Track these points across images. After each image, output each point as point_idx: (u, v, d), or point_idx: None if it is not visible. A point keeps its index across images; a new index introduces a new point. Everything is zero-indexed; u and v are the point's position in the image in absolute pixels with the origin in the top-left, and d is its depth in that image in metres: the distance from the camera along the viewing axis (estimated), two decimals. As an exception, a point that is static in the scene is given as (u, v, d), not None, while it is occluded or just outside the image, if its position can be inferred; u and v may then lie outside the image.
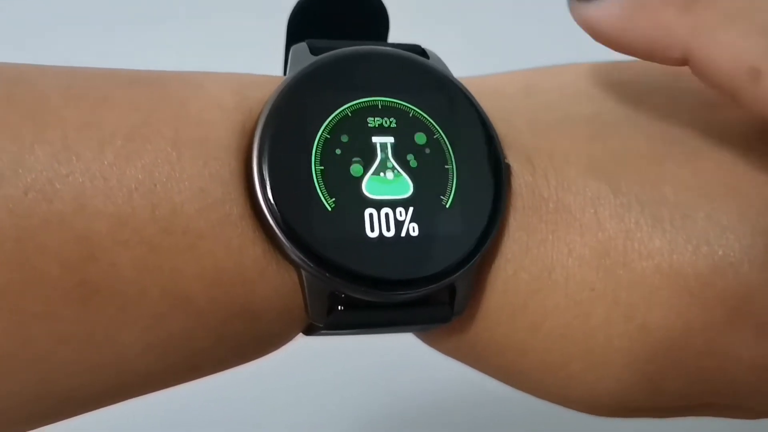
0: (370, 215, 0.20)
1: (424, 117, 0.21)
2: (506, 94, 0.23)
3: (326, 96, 0.20)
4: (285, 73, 0.23)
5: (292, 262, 0.19)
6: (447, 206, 0.20)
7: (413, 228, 0.20)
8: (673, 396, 0.21)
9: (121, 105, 0.19)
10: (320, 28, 0.23)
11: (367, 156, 0.20)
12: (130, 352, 0.19)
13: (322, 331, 0.20)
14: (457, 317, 0.21)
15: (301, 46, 0.21)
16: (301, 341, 0.22)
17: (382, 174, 0.20)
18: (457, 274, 0.20)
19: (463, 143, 0.21)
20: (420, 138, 0.21)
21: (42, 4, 0.58)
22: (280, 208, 0.19)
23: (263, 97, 0.20)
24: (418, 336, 0.23)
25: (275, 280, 0.19)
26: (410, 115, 0.21)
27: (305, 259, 0.19)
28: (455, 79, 0.22)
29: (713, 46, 0.19)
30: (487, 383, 0.23)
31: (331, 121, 0.20)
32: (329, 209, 0.19)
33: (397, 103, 0.21)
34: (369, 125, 0.20)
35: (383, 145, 0.20)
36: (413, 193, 0.20)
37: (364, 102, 0.20)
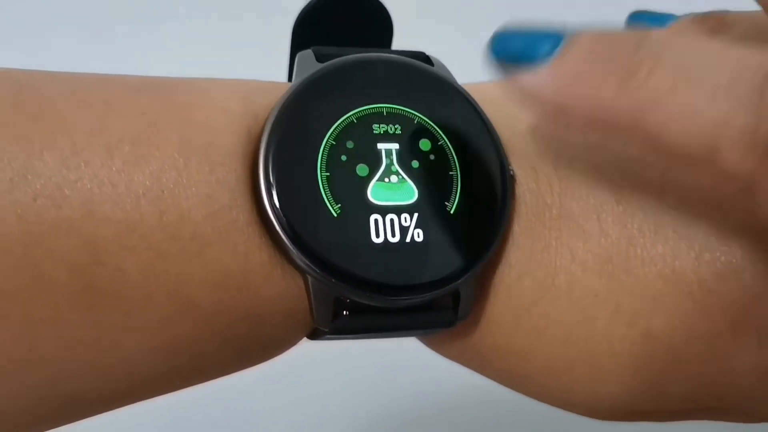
0: (375, 221, 0.20)
1: (428, 123, 0.21)
2: (510, 101, 0.23)
3: (332, 103, 0.20)
4: (290, 80, 0.23)
5: (297, 267, 0.19)
6: (451, 212, 0.20)
7: (418, 234, 0.20)
8: (676, 400, 0.21)
9: (128, 111, 0.19)
10: (325, 35, 0.23)
11: (373, 162, 0.20)
12: (136, 356, 0.19)
13: (327, 336, 0.21)
14: (460, 322, 0.21)
15: (307, 53, 0.21)
16: (302, 341, 0.22)
17: (387, 180, 0.20)
18: (461, 279, 0.20)
19: (467, 149, 0.21)
20: (425, 144, 0.21)
21: (42, 4, 0.58)
22: (286, 214, 0.19)
23: (269, 103, 0.20)
24: (422, 340, 0.23)
25: (281, 285, 0.19)
26: (415, 121, 0.21)
27: (311, 265, 0.19)
28: (459, 85, 0.22)
29: (663, 118, 0.17)
30: (487, 384, 0.23)
31: (336, 127, 0.20)
32: (335, 215, 0.20)
33: (401, 109, 0.21)
34: (374, 132, 0.20)
35: (388, 152, 0.20)
36: (418, 199, 0.20)
37: (370, 109, 0.21)
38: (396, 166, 0.20)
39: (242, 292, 0.19)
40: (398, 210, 0.20)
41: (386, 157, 0.20)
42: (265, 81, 0.21)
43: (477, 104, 0.22)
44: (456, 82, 0.22)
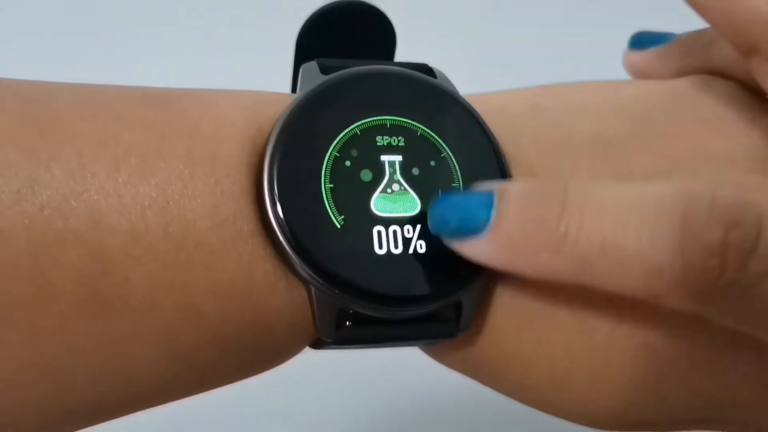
0: (379, 232, 0.20)
1: (431, 136, 0.21)
2: (513, 113, 0.23)
3: (336, 115, 0.21)
4: (294, 90, 0.23)
5: (301, 278, 0.20)
6: None
7: (421, 245, 0.20)
8: (675, 411, 0.21)
9: (134, 123, 0.19)
10: (328, 46, 0.23)
11: (376, 174, 0.20)
12: (141, 365, 0.19)
13: (330, 346, 0.21)
14: (462, 333, 0.21)
15: (312, 65, 0.22)
16: (304, 349, 0.22)
17: (390, 192, 0.20)
18: (464, 290, 0.20)
19: (470, 161, 0.21)
20: (427, 156, 0.21)
21: (42, 4, 0.58)
22: (290, 225, 0.19)
23: (274, 114, 0.20)
24: (423, 349, 0.23)
25: (285, 295, 0.20)
26: (418, 133, 0.21)
27: (314, 276, 0.19)
28: (462, 97, 0.22)
29: (600, 274, 0.18)
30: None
31: (340, 139, 0.20)
32: (338, 226, 0.20)
33: (405, 122, 0.21)
34: (378, 144, 0.21)
35: (391, 164, 0.21)
36: (421, 210, 0.20)
37: (373, 121, 0.21)
38: (399, 178, 0.21)
39: (246, 302, 0.19)
40: (401, 221, 0.20)
41: (389, 168, 0.21)
42: (270, 92, 0.22)
43: (479, 116, 0.22)
44: (459, 94, 0.22)
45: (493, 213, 0.19)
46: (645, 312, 0.20)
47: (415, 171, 0.21)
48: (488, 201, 0.19)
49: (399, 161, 0.21)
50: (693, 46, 0.25)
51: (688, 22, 0.25)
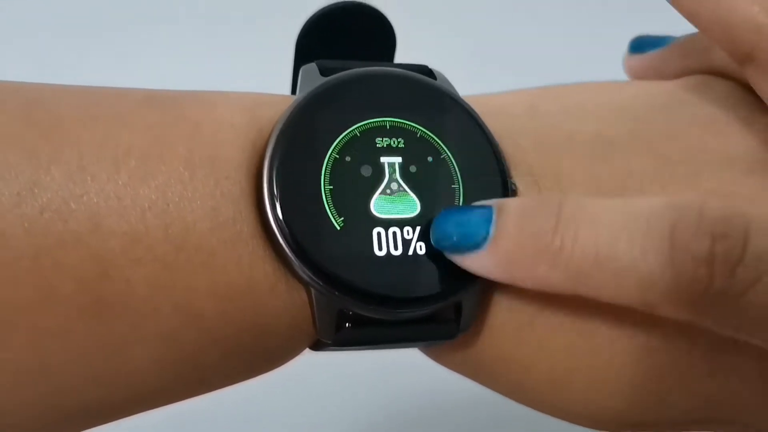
0: (378, 234, 0.20)
1: (431, 137, 0.21)
2: (512, 114, 0.23)
3: (336, 116, 0.21)
4: (293, 92, 0.23)
5: (301, 279, 0.20)
6: None
7: (420, 247, 0.20)
8: (676, 412, 0.21)
9: (135, 125, 0.19)
10: (328, 47, 0.23)
11: (376, 176, 0.20)
12: (141, 367, 0.19)
13: (330, 348, 0.21)
14: (462, 334, 0.21)
15: (311, 67, 0.22)
16: (304, 351, 0.22)
17: (389, 193, 0.20)
18: (463, 292, 0.20)
19: (469, 163, 0.21)
20: (427, 158, 0.21)
21: (42, 4, 0.58)
22: (290, 226, 0.19)
23: (274, 116, 0.20)
24: (423, 350, 0.23)
25: (285, 297, 0.20)
26: (418, 135, 0.21)
27: (314, 277, 0.19)
28: (461, 98, 0.22)
29: (594, 286, 0.19)
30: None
31: (340, 141, 0.20)
32: (338, 228, 0.20)
33: (404, 123, 0.21)
34: (377, 145, 0.21)
35: (391, 165, 0.21)
36: (420, 212, 0.20)
37: (373, 123, 0.21)
38: (399, 180, 0.21)
39: (246, 304, 0.19)
40: (401, 223, 0.20)
41: (389, 169, 0.21)
42: (270, 94, 0.22)
43: (479, 117, 0.22)
44: (458, 96, 0.22)
45: (492, 228, 0.19)
46: (645, 313, 0.20)
47: (415, 172, 0.21)
48: (487, 216, 0.20)
49: (399, 162, 0.21)
50: (692, 48, 0.25)
51: (687, 21, 0.25)
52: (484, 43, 0.58)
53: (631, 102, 0.24)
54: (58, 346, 0.18)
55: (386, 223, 0.20)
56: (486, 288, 0.21)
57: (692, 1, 0.22)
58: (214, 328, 0.19)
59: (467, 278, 0.20)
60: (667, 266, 0.18)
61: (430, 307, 0.20)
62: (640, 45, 0.26)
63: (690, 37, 0.25)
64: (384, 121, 0.21)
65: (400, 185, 0.21)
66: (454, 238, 0.20)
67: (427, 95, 0.22)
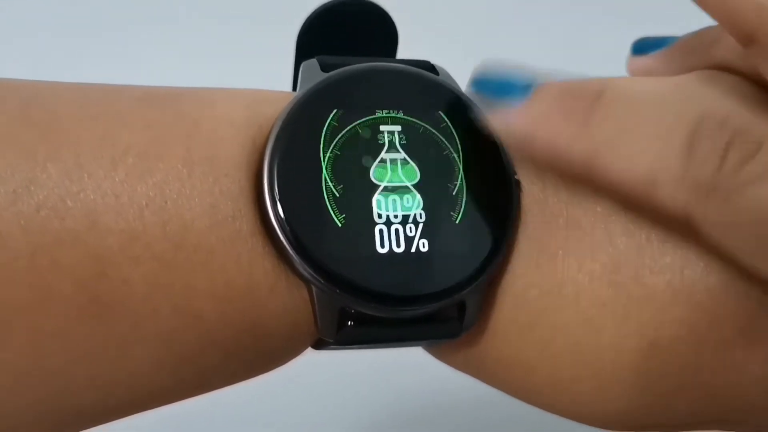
0: (380, 231, 0.20)
1: (433, 133, 0.21)
2: None
3: (337, 112, 0.20)
4: (294, 89, 0.23)
5: (302, 277, 0.19)
6: (457, 222, 0.20)
7: (423, 244, 0.20)
8: (684, 412, 0.21)
9: (133, 123, 0.19)
10: (329, 44, 0.23)
11: (378, 172, 0.20)
12: (141, 368, 0.19)
13: (332, 346, 0.21)
14: (465, 333, 0.21)
15: (312, 63, 0.21)
16: (306, 350, 0.22)
17: (392, 189, 0.20)
18: (467, 290, 0.20)
19: (472, 159, 0.21)
20: (430, 153, 0.21)
21: (42, 4, 0.58)
22: (291, 224, 0.19)
23: (274, 113, 0.20)
24: (426, 349, 0.23)
25: (285, 295, 0.19)
26: (420, 131, 0.21)
27: (315, 275, 0.19)
28: (464, 94, 0.22)
29: (612, 158, 0.19)
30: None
31: (341, 137, 0.20)
32: (339, 225, 0.19)
33: (407, 119, 0.21)
34: (379, 141, 0.20)
35: (393, 161, 0.20)
36: (423, 208, 0.20)
37: (375, 119, 0.21)
38: (401, 176, 0.20)
39: (246, 303, 0.19)
40: (403, 220, 0.20)
41: (391, 166, 0.20)
42: (270, 90, 0.21)
43: (483, 113, 0.22)
44: (461, 91, 0.22)
45: (534, 88, 0.20)
46: (653, 310, 0.20)
47: (417, 168, 0.21)
48: (527, 84, 0.20)
49: (401, 159, 0.21)
50: (696, 45, 0.25)
51: (688, 20, 0.25)
52: (487, 40, 0.58)
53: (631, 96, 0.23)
54: (58, 346, 0.18)
55: (388, 220, 0.20)
56: (490, 285, 0.21)
57: None
58: (213, 329, 0.19)
59: (471, 275, 0.20)
60: (685, 147, 0.19)
61: (433, 305, 0.20)
62: (642, 47, 0.26)
63: (694, 35, 0.25)
64: (386, 116, 0.21)
65: (402, 181, 0.20)
66: (492, 89, 0.20)
67: (429, 90, 0.22)
